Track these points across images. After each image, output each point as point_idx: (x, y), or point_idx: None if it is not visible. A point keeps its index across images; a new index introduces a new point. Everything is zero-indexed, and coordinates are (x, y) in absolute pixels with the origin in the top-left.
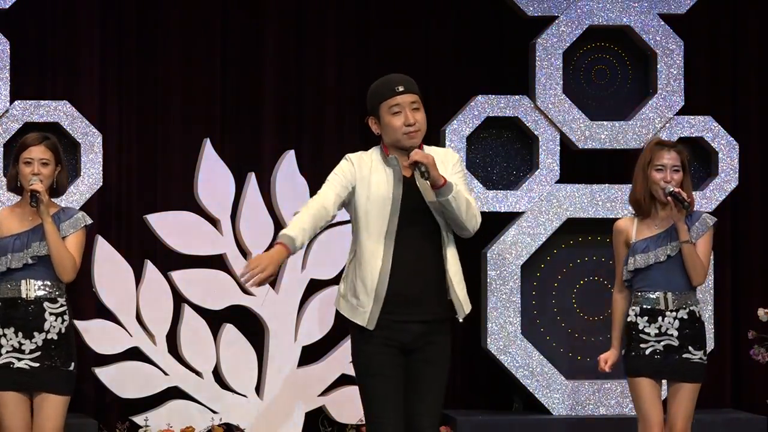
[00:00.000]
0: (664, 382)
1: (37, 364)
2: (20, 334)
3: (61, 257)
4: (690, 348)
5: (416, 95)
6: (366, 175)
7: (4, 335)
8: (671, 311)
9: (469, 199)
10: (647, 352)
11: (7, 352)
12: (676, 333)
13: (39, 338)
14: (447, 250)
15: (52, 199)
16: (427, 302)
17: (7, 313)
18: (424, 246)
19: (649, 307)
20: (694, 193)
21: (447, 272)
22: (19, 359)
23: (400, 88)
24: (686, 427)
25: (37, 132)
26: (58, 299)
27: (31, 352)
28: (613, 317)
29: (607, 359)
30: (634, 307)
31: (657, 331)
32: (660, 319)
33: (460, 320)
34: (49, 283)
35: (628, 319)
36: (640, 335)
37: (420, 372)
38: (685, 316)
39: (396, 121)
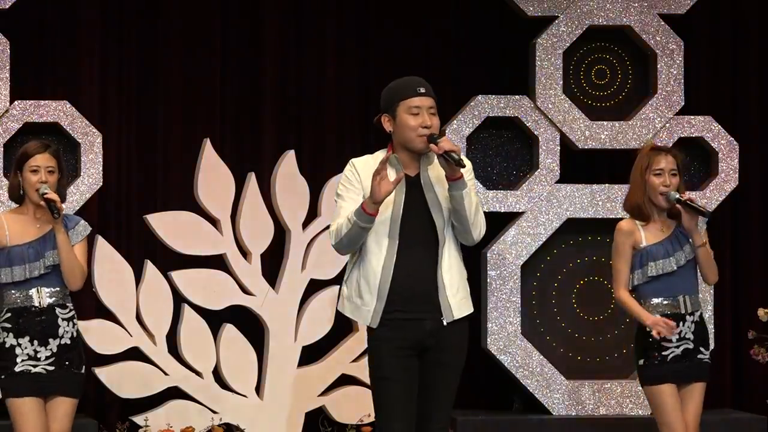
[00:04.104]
0: None
1: (53, 368)
2: (36, 342)
3: (72, 267)
4: (701, 349)
5: (434, 100)
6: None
7: (19, 345)
8: (689, 314)
9: (479, 205)
10: (669, 358)
11: (23, 360)
12: (692, 336)
13: (54, 344)
14: (443, 250)
15: None
16: (433, 300)
17: (20, 323)
18: (425, 246)
19: (670, 312)
20: (693, 193)
21: (439, 273)
22: (35, 366)
23: (422, 90)
24: (698, 425)
25: (37, 140)
26: (67, 304)
27: (47, 358)
28: (632, 305)
29: (663, 320)
30: (654, 314)
31: (678, 336)
32: (681, 323)
33: (445, 323)
34: (58, 289)
35: (648, 328)
36: (662, 342)
37: (432, 375)
38: (698, 319)
39: (413, 121)
